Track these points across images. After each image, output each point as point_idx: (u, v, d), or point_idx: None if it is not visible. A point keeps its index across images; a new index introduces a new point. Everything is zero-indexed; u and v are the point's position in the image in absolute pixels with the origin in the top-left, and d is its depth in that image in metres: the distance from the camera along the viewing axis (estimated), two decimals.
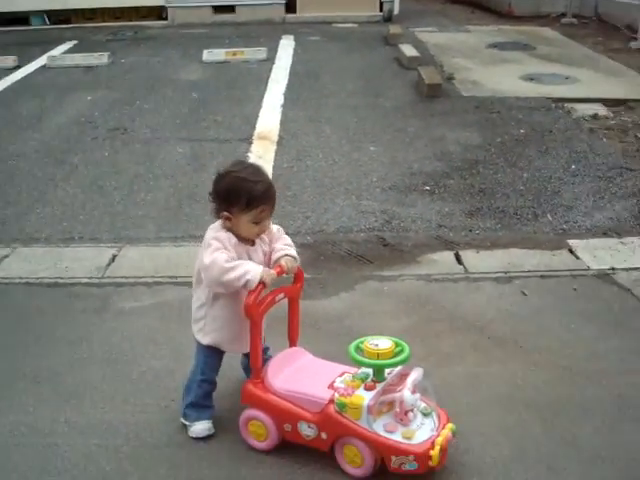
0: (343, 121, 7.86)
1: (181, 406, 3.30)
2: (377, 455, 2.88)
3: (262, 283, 2.92)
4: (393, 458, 2.83)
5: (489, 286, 4.59)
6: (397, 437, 2.85)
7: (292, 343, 3.35)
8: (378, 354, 2.90)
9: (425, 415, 2.94)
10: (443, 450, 2.84)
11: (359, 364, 2.98)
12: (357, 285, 4.65)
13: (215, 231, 3.04)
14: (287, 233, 5.20)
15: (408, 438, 2.83)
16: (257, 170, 3.09)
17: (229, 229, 3.03)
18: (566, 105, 8.25)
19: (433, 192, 6.12)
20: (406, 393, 2.86)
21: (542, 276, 4.75)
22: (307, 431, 2.98)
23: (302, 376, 3.13)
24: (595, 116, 7.93)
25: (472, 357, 3.80)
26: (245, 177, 2.98)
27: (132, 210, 5.83)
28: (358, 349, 2.99)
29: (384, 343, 2.94)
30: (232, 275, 2.90)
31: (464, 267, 4.84)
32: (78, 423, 3.36)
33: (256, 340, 3.05)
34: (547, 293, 4.53)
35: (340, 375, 3.07)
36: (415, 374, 2.95)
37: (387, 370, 2.98)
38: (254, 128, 7.64)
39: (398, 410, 2.89)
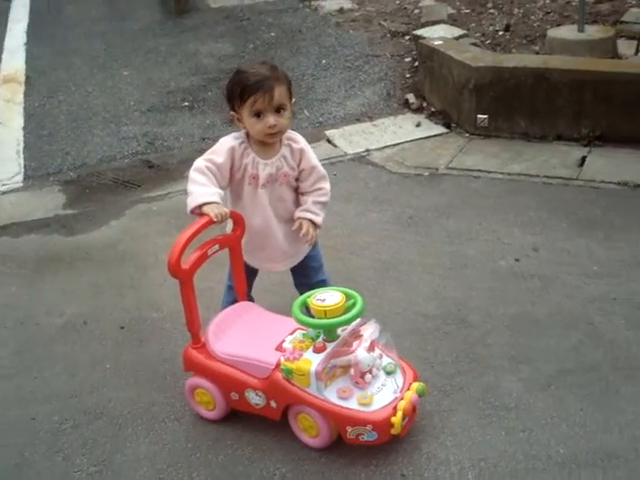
0: (92, 50, 7.58)
1: None
2: (333, 424, 2.53)
3: (207, 216, 2.62)
4: (348, 429, 2.47)
5: None
6: (352, 404, 2.47)
7: (240, 297, 2.97)
8: (326, 311, 2.49)
9: (388, 374, 2.58)
10: (407, 415, 2.49)
11: (304, 325, 2.59)
12: (127, 210, 4.62)
13: (225, 138, 2.83)
14: (47, 173, 5.18)
15: (365, 404, 2.46)
16: (263, 64, 2.80)
17: (248, 135, 2.81)
18: (313, 3, 8.43)
19: (192, 107, 6.13)
20: (360, 352, 2.50)
21: None
22: (255, 399, 2.64)
23: (249, 336, 2.76)
24: (341, 10, 8.15)
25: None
26: (244, 70, 2.76)
27: None
28: (304, 306, 2.61)
29: (332, 297, 2.53)
30: (188, 186, 2.71)
31: None
32: None
33: (189, 301, 2.68)
34: None
35: (291, 333, 2.69)
36: (371, 329, 2.60)
37: (340, 327, 2.60)
38: None
39: (353, 372, 2.52)
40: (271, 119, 2.71)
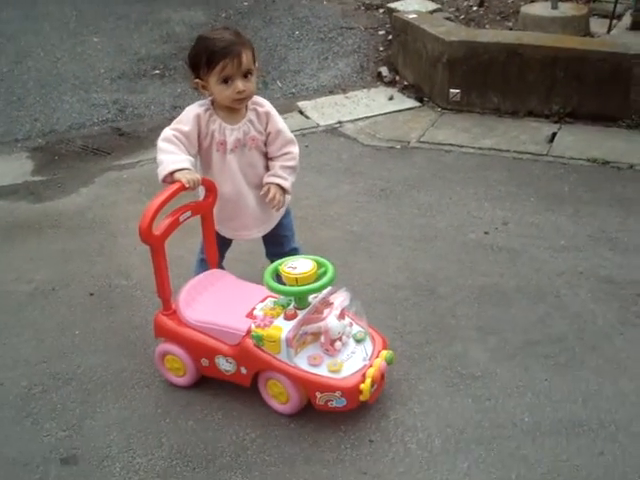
0: (62, 15, 7.44)
1: None
2: (303, 391, 2.55)
3: (179, 182, 2.60)
4: (318, 395, 2.49)
5: None
6: (322, 371, 2.49)
7: (212, 265, 2.95)
8: (297, 278, 2.50)
9: (358, 342, 2.61)
10: (376, 382, 2.52)
11: (275, 292, 2.59)
12: (96, 178, 4.58)
13: (190, 107, 2.80)
14: (15, 140, 5.11)
15: (335, 371, 2.49)
16: (226, 30, 2.76)
17: (213, 102, 2.77)
18: None
19: (163, 75, 6.09)
20: (331, 320, 2.52)
21: None
22: (225, 366, 2.64)
23: (219, 303, 2.76)
24: None
25: None
26: (208, 36, 2.73)
27: None
28: (275, 274, 2.61)
29: (304, 265, 2.54)
30: (157, 156, 2.68)
31: None
32: None
33: (160, 268, 2.67)
34: None
35: (262, 300, 2.70)
36: (342, 297, 2.63)
37: (311, 294, 2.61)
38: None
39: (323, 340, 2.54)
40: (240, 84, 2.69)
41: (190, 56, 2.77)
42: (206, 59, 2.68)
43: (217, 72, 2.68)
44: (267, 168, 2.90)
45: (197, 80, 2.76)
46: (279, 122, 2.86)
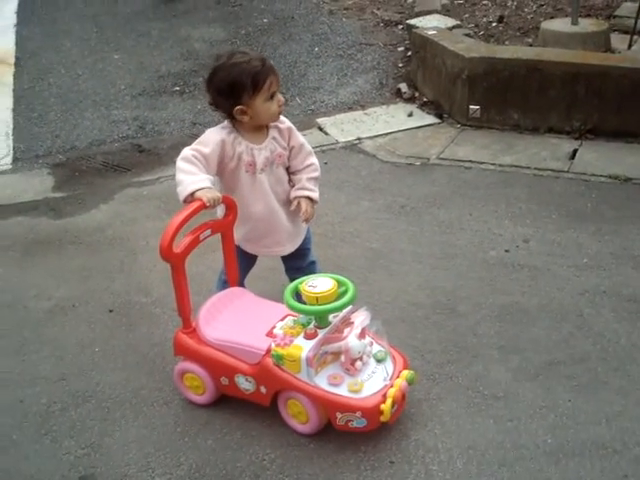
0: (83, 32, 7.52)
1: None
2: (323, 411, 2.54)
3: (199, 200, 2.59)
4: (338, 415, 2.48)
5: None
6: (342, 390, 2.48)
7: (232, 283, 2.94)
8: (317, 297, 2.49)
9: (379, 361, 2.59)
10: (397, 403, 2.49)
11: (296, 311, 2.58)
12: (116, 195, 4.60)
13: (211, 130, 2.82)
14: (36, 156, 5.15)
15: (355, 391, 2.47)
16: (242, 52, 2.80)
17: (241, 125, 2.78)
18: None
19: (183, 92, 6.11)
20: (352, 340, 2.51)
21: None
22: (245, 385, 2.63)
23: (239, 322, 2.74)
24: None
25: None
26: (236, 62, 2.70)
27: None
28: (295, 292, 2.60)
29: (324, 284, 2.52)
30: (177, 176, 2.68)
31: None
32: None
33: (180, 286, 2.67)
34: None
35: (282, 319, 2.68)
36: (362, 316, 2.61)
37: (332, 314, 2.60)
38: None
39: (344, 359, 2.53)
40: (280, 96, 2.77)
41: (224, 87, 2.72)
42: (251, 81, 2.67)
43: (265, 90, 2.70)
44: (290, 182, 2.93)
45: (239, 107, 2.71)
46: (300, 136, 2.92)
